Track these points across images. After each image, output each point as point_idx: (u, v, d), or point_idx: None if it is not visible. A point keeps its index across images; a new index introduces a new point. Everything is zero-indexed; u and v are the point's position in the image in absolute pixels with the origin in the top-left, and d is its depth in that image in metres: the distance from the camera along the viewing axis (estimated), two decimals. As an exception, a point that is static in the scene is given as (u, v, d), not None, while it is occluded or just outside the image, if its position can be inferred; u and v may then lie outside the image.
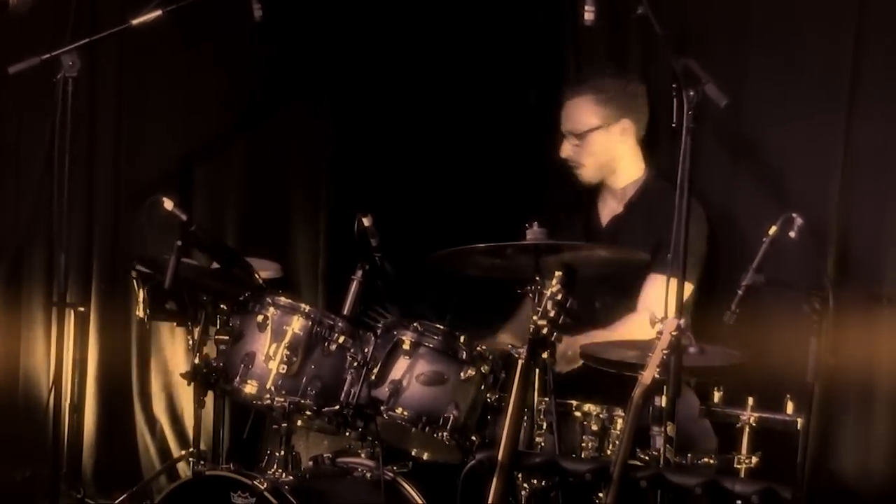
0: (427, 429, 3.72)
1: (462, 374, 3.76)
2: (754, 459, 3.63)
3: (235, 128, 5.16)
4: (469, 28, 5.02)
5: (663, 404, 3.27)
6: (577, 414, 3.77)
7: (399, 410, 3.72)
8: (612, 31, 4.50)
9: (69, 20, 4.85)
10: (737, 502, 3.09)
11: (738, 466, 3.62)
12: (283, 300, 3.86)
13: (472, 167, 5.01)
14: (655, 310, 3.59)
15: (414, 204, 4.96)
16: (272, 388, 3.77)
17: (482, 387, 3.80)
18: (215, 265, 4.18)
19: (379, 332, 3.79)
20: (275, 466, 3.76)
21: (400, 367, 3.76)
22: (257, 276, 3.99)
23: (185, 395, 4.95)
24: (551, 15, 4.87)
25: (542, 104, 4.39)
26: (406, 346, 3.77)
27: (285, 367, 3.77)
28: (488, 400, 3.80)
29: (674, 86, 3.37)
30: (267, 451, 3.85)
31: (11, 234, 4.95)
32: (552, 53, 4.89)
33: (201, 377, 4.01)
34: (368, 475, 3.83)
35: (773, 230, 3.39)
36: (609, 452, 3.71)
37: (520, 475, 3.59)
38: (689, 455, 3.60)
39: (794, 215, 3.37)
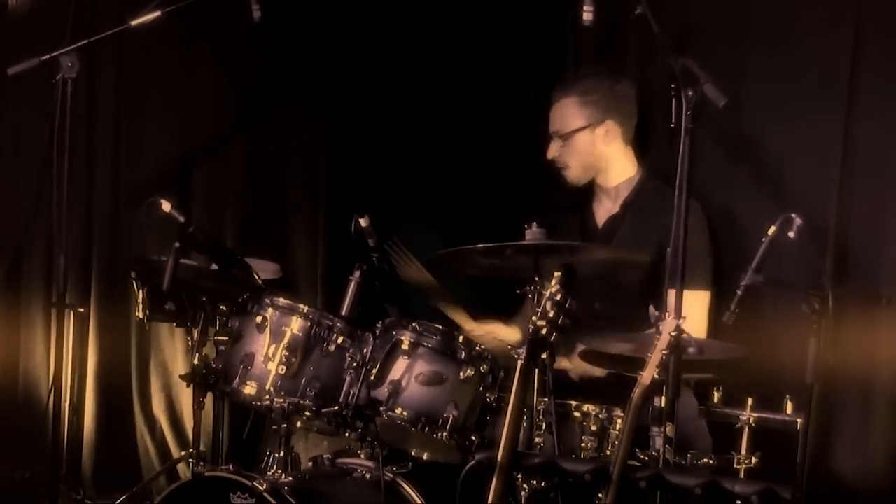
0: (426, 429, 3.72)
1: (461, 373, 3.76)
2: (754, 459, 3.63)
3: (234, 128, 5.16)
4: (468, 28, 5.02)
5: (662, 404, 3.28)
6: (577, 414, 3.77)
7: (398, 411, 3.72)
8: (611, 31, 4.50)
9: (68, 21, 4.85)
10: (736, 502, 3.10)
11: (738, 467, 3.62)
12: (281, 301, 3.86)
13: (470, 168, 5.01)
14: (695, 325, 3.65)
15: (413, 205, 4.95)
16: (271, 389, 3.77)
17: (481, 387, 3.80)
18: (214, 266, 4.18)
19: (377, 332, 3.79)
20: (274, 467, 3.77)
21: (399, 367, 3.76)
22: (256, 277, 3.99)
23: (185, 395, 4.95)
24: (550, 15, 4.88)
25: (541, 104, 4.38)
26: (405, 347, 3.77)
27: (284, 367, 3.77)
28: (487, 400, 3.80)
29: (672, 86, 3.37)
30: (266, 451, 3.86)
31: (11, 234, 4.95)
32: (551, 53, 4.90)
33: (200, 378, 4.02)
34: (368, 476, 3.83)
35: (772, 230, 3.39)
36: (608, 453, 3.71)
37: (519, 475, 3.59)
38: (688, 455, 3.61)
39: (793, 215, 3.38)
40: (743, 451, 3.64)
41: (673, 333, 3.18)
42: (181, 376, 4.12)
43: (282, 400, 3.74)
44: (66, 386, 4.51)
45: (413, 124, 5.06)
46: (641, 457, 3.44)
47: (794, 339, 3.45)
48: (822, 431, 3.93)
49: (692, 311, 3.87)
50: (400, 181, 5.02)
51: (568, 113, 4.26)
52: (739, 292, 3.40)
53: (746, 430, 3.64)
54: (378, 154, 5.10)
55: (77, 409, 4.95)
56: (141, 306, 4.32)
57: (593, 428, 3.75)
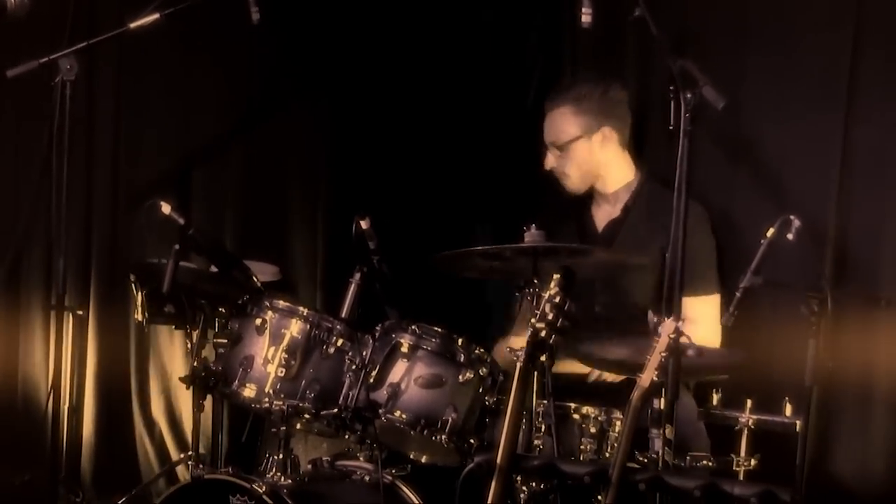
0: (425, 431, 3.72)
1: (460, 376, 3.75)
2: (753, 461, 3.62)
3: (233, 130, 5.16)
4: (466, 30, 5.02)
5: (661, 406, 3.27)
6: (576, 416, 3.77)
7: (397, 413, 3.72)
8: (610, 33, 4.49)
9: (67, 23, 4.84)
10: (735, 504, 3.10)
11: (737, 469, 3.62)
12: (281, 303, 3.85)
13: (469, 170, 5.01)
14: (710, 328, 3.66)
15: (412, 206, 4.95)
16: (271, 392, 3.76)
17: (480, 389, 3.79)
18: (213, 268, 4.18)
19: (377, 334, 3.78)
20: (273, 470, 3.77)
21: (398, 369, 3.76)
22: (255, 280, 3.99)
23: (184, 398, 4.94)
24: (549, 18, 4.88)
25: (539, 107, 4.38)
26: (404, 349, 3.76)
27: (284, 370, 3.77)
28: (487, 402, 3.80)
29: (671, 88, 3.36)
30: (266, 454, 3.85)
31: (10, 236, 4.94)
32: (549, 56, 4.89)
33: (200, 381, 4.01)
34: (367, 478, 3.83)
35: (770, 232, 3.39)
36: (608, 455, 3.71)
37: (518, 478, 3.59)
38: (687, 457, 3.60)
39: (791, 217, 3.38)
40: (742, 453, 3.63)
41: (672, 335, 3.17)
42: (180, 379, 4.11)
43: (281, 402, 3.74)
44: (65, 388, 4.50)
45: (411, 127, 5.06)
46: (640, 459, 3.44)
47: (793, 341, 3.45)
48: (821, 433, 3.94)
49: (706, 316, 3.91)
50: (399, 182, 5.01)
51: (563, 123, 4.25)
52: (738, 294, 3.40)
53: (745, 432, 3.64)
54: (377, 157, 5.10)
55: (76, 411, 4.93)
56: (140, 309, 4.31)
57: (592, 430, 3.75)
